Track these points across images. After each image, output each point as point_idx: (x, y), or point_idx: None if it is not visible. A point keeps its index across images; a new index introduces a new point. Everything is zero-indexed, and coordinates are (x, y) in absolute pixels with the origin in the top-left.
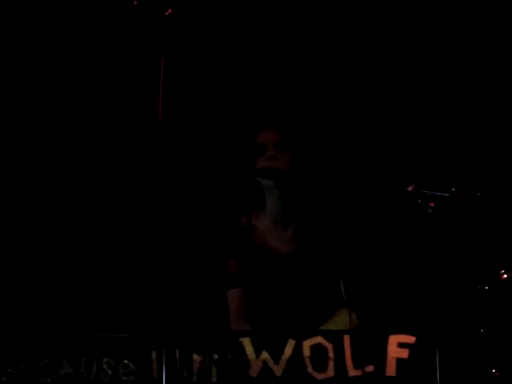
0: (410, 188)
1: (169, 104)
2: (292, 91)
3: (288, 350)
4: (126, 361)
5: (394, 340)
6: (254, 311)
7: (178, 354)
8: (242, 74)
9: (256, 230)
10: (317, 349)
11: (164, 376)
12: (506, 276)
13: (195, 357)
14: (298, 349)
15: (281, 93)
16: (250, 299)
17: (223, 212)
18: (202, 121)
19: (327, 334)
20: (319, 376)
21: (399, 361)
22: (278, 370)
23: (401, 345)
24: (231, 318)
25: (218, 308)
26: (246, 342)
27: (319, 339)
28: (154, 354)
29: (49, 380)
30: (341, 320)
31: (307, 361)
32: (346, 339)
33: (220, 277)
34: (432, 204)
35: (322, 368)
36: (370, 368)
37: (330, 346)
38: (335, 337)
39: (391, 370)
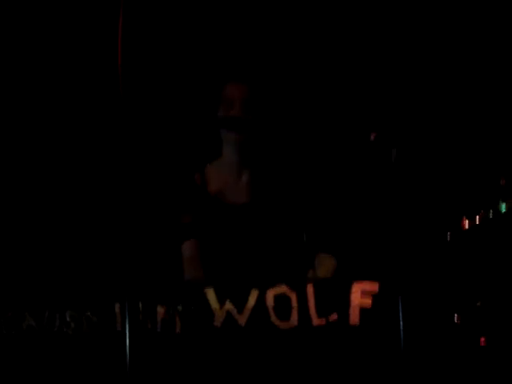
0: (372, 136)
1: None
2: (263, 47)
3: (251, 300)
4: (89, 313)
5: (357, 288)
6: (210, 263)
7: (141, 306)
8: (211, 22)
9: (211, 181)
10: (280, 298)
11: (127, 328)
12: (467, 224)
13: (159, 308)
14: (261, 298)
15: (253, 47)
16: (205, 251)
17: (177, 170)
18: (163, 73)
19: (291, 283)
20: (283, 325)
21: (363, 309)
22: (241, 320)
23: (364, 293)
24: (185, 267)
25: (174, 260)
26: (210, 293)
27: (283, 288)
28: (117, 307)
29: (12, 333)
30: (325, 264)
31: (271, 310)
32: (310, 288)
33: (174, 230)
34: (394, 153)
35: (285, 317)
36: (333, 317)
37: (293, 295)
38: (299, 286)
39: (355, 318)
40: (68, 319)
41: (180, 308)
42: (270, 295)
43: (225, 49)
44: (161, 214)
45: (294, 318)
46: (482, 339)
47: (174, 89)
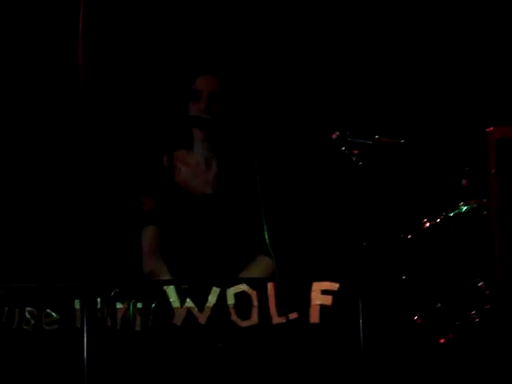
0: (333, 135)
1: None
2: (235, 42)
3: (212, 298)
4: (48, 310)
5: (317, 287)
6: (171, 251)
7: (100, 303)
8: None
9: (179, 169)
10: (241, 296)
11: (85, 325)
12: (428, 224)
13: (118, 305)
14: (222, 297)
15: (223, 40)
16: (167, 239)
17: (145, 150)
18: (132, 59)
19: (251, 282)
20: (243, 323)
21: (323, 308)
22: (202, 318)
23: (324, 292)
24: (144, 256)
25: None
26: (170, 291)
27: (243, 287)
28: (77, 303)
29: None
30: (260, 265)
31: (231, 308)
32: (270, 287)
33: (135, 215)
34: (356, 151)
35: (245, 316)
36: (293, 315)
37: (253, 294)
38: (259, 284)
39: (315, 317)
40: (28, 316)
41: (140, 305)
42: (231, 293)
43: (194, 41)
44: (122, 199)
45: (255, 316)
46: (442, 340)
47: (149, 74)
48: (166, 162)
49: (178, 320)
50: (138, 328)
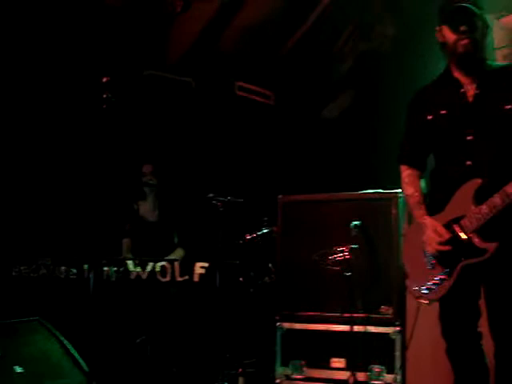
0: (210, 195)
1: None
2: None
3: (149, 267)
4: (71, 268)
5: (198, 265)
6: (137, 249)
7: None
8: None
9: (140, 209)
10: (163, 267)
11: (91, 276)
12: (248, 237)
13: (105, 268)
14: (153, 267)
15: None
16: (135, 242)
17: (124, 201)
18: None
19: (168, 261)
20: (163, 279)
21: (201, 275)
22: (144, 276)
23: (201, 267)
24: (123, 250)
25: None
26: (129, 262)
27: (164, 263)
28: (85, 266)
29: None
30: (178, 253)
31: (158, 272)
32: (176, 264)
33: (121, 232)
34: (220, 204)
35: (164, 275)
36: (186, 277)
37: (168, 266)
38: (172, 262)
39: (196, 278)
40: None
41: (115, 268)
42: (158, 266)
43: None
44: (118, 223)
45: (168, 275)
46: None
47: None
48: (135, 205)
49: (132, 276)
50: (113, 279)
